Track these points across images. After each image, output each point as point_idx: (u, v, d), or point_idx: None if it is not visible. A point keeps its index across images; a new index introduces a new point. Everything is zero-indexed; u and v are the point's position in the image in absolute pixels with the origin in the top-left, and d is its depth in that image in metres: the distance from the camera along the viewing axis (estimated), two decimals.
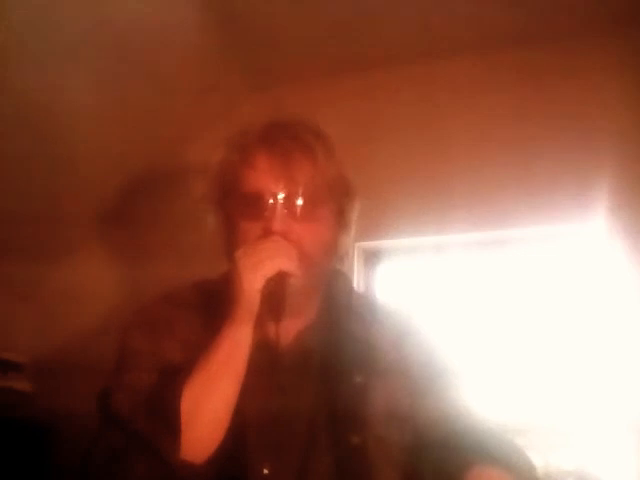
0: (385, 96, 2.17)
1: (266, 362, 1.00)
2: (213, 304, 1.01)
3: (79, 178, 2.03)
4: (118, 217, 2.31)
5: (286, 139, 1.02)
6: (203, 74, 2.10)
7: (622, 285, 1.83)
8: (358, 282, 2.11)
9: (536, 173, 1.95)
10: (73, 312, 2.17)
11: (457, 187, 2.01)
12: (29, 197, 1.96)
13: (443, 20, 1.95)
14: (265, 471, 0.96)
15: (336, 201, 1.06)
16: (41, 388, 2.06)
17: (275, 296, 0.96)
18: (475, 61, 2.09)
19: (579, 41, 1.99)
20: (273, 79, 2.25)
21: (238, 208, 1.03)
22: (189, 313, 1.05)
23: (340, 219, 1.08)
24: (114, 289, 2.18)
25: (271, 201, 0.99)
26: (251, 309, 0.95)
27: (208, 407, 0.92)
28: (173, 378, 0.93)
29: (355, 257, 2.09)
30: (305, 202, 1.00)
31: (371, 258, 2.18)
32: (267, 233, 0.98)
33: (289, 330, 1.04)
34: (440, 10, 1.91)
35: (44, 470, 1.92)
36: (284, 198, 0.99)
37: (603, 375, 1.81)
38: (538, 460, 1.74)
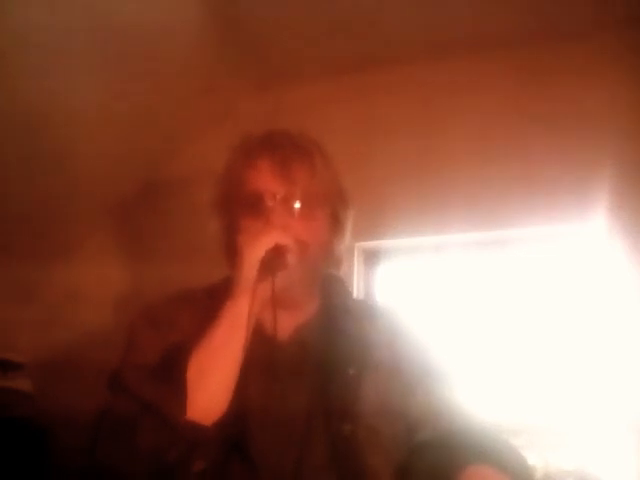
0: (385, 96, 2.17)
1: (265, 352, 1.04)
2: (215, 303, 1.04)
3: (79, 179, 2.03)
4: (118, 217, 2.31)
5: (287, 145, 1.10)
6: (203, 74, 2.10)
7: (622, 285, 1.83)
8: (358, 282, 2.11)
9: (536, 173, 1.96)
10: (73, 312, 2.17)
11: (457, 187, 2.01)
12: (29, 197, 1.96)
13: (443, 20, 1.96)
14: (265, 456, 0.99)
15: (332, 206, 1.13)
16: (41, 388, 2.06)
17: (272, 266, 1.00)
18: (475, 61, 2.09)
19: (579, 41, 1.99)
20: (273, 79, 2.25)
21: (240, 208, 1.08)
22: (192, 310, 1.09)
23: (335, 224, 1.14)
24: (114, 289, 2.18)
25: (271, 201, 1.05)
26: (251, 279, 1.00)
27: (212, 374, 0.97)
28: (178, 355, 0.98)
29: (355, 257, 2.09)
30: (302, 203, 1.06)
31: (371, 258, 2.18)
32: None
33: (288, 324, 1.09)
34: (440, 10, 1.91)
35: (44, 470, 1.91)
36: (283, 198, 1.05)
37: (603, 375, 1.81)
38: (538, 460, 1.75)
